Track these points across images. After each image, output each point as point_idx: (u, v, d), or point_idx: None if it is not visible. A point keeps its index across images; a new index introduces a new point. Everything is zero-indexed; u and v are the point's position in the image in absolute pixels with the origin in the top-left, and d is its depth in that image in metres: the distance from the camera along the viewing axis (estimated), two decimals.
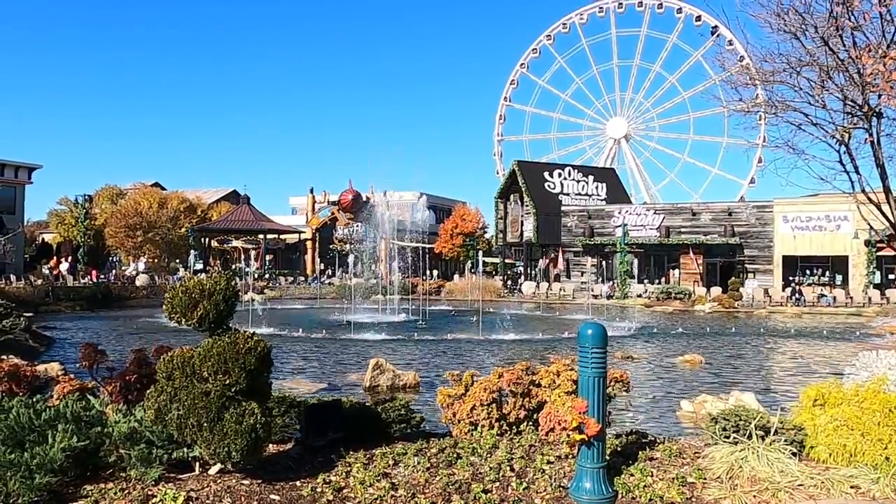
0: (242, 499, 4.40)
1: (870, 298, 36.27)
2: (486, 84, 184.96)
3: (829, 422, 5.40)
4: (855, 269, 39.78)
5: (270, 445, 5.53)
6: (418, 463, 5.04)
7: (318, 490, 4.60)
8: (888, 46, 7.54)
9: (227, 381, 4.50)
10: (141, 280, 39.27)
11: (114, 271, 46.56)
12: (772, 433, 5.35)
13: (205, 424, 4.41)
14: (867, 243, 37.62)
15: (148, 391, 4.66)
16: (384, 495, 4.53)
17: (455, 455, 5.26)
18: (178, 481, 4.57)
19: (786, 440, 5.32)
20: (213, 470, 4.72)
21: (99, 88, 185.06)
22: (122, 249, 53.99)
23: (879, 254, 38.66)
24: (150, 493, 4.35)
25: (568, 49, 72.44)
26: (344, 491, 4.63)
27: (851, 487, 4.82)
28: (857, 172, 8.78)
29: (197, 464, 4.78)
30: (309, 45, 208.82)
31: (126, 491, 4.38)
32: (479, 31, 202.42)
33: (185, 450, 4.72)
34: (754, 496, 4.68)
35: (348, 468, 4.96)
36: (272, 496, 4.49)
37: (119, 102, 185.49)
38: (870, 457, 5.09)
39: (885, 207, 8.93)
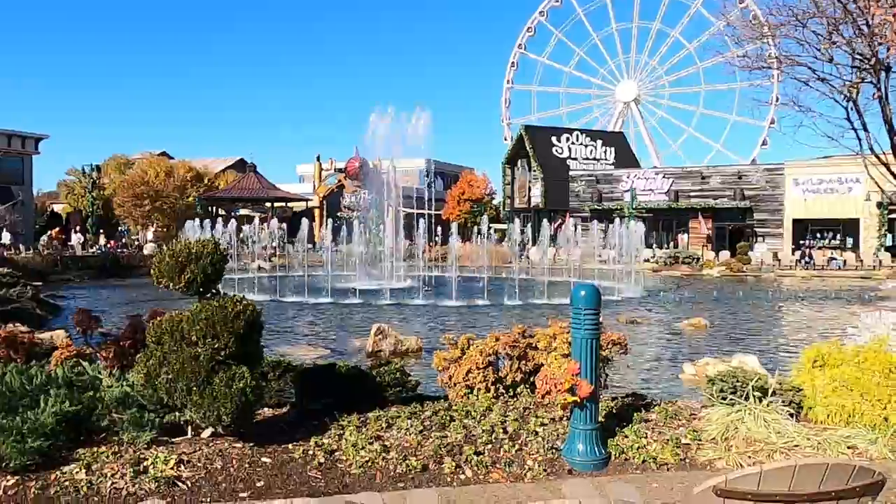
0: (234, 461, 4.41)
1: (880, 261, 35.95)
2: (493, 47, 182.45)
3: (827, 383, 5.34)
4: (866, 232, 39.36)
5: (267, 409, 5.54)
6: (411, 426, 5.02)
7: (311, 453, 4.60)
8: None
9: (216, 345, 4.47)
10: (149, 249, 39.45)
11: (123, 240, 46.83)
12: (769, 394, 5.29)
13: (194, 388, 4.40)
14: (879, 205, 37.17)
15: (138, 356, 4.65)
16: (375, 458, 4.52)
17: (448, 418, 5.25)
18: (170, 445, 4.58)
19: (784, 401, 5.27)
20: (205, 433, 4.73)
21: (106, 58, 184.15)
22: (131, 219, 54.16)
23: (891, 216, 38.25)
24: (141, 456, 4.36)
25: (564, 22, 71.16)
26: (336, 454, 4.63)
27: (848, 448, 4.77)
28: (865, 130, 8.60)
29: (189, 427, 4.78)
30: (314, 13, 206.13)
31: (118, 454, 4.39)
32: None
33: (177, 413, 4.72)
34: (749, 457, 4.64)
35: (341, 431, 4.95)
36: (263, 459, 4.49)
37: (126, 72, 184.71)
38: (868, 417, 5.03)
39: (895, 168, 8.73)
